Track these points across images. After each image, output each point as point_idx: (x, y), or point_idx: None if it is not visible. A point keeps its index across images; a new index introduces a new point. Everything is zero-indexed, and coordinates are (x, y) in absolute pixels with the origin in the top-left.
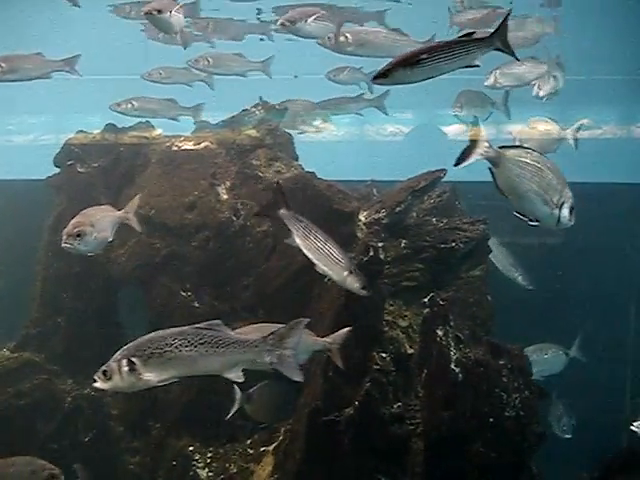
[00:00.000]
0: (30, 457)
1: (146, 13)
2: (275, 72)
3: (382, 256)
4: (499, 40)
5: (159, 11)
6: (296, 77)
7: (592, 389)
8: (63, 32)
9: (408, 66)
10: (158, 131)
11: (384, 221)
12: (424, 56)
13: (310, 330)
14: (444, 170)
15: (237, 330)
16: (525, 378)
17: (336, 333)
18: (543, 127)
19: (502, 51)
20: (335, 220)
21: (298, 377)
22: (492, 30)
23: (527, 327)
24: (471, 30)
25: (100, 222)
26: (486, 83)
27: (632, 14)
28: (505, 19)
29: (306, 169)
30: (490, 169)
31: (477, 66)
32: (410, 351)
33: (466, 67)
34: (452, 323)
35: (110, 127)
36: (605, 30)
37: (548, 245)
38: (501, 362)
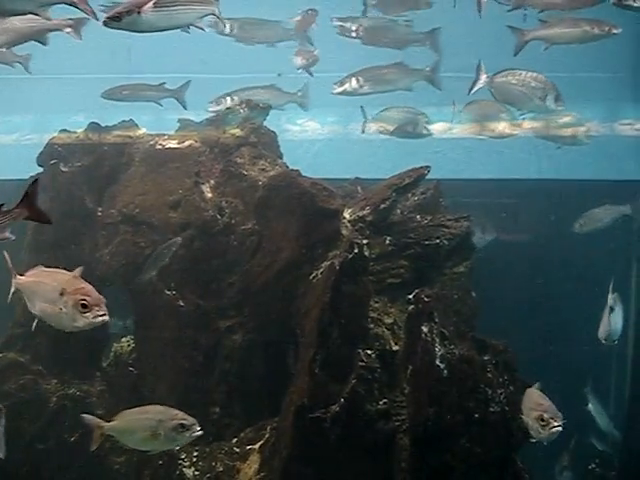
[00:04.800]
0: (165, 407)
1: None
2: (259, 70)
3: (367, 253)
4: (27, 209)
5: None
6: (280, 75)
7: None
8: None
9: None
10: (142, 130)
11: (369, 218)
12: None
13: None
14: (428, 167)
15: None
16: (510, 373)
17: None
18: None
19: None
20: (320, 218)
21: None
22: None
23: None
24: None
25: None
26: None
27: (617, 11)
28: (32, 185)
29: (291, 167)
30: None
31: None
32: (395, 348)
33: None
34: (437, 319)
35: (93, 126)
36: None
37: (536, 241)
38: (486, 358)
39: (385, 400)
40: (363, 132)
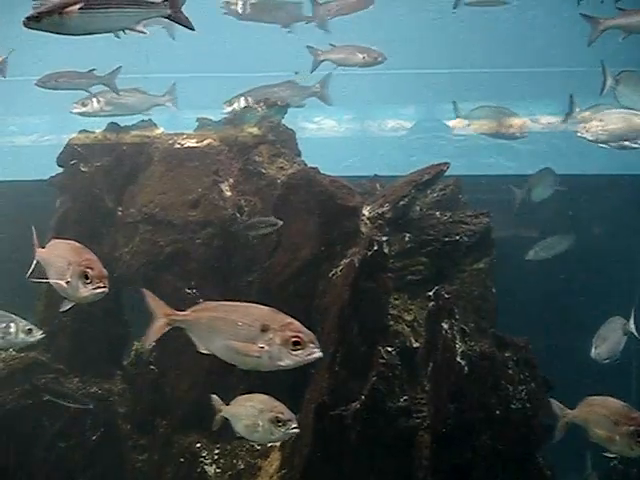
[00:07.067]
0: (269, 397)
1: None
2: (275, 69)
3: (386, 250)
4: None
5: None
6: (297, 73)
7: None
8: None
9: None
10: (160, 129)
11: (388, 215)
12: None
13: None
14: (447, 163)
15: None
16: (531, 370)
17: None
18: None
19: None
20: (339, 215)
21: None
22: None
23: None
24: None
25: None
26: None
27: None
28: None
29: (309, 165)
30: None
31: None
32: (415, 345)
33: None
34: (457, 316)
35: (112, 126)
36: None
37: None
38: (507, 354)
39: (406, 397)
40: (453, 128)
